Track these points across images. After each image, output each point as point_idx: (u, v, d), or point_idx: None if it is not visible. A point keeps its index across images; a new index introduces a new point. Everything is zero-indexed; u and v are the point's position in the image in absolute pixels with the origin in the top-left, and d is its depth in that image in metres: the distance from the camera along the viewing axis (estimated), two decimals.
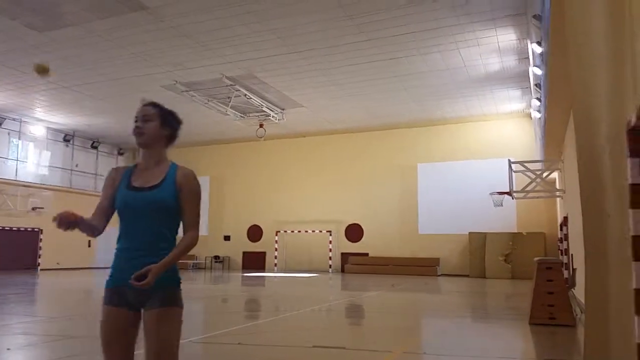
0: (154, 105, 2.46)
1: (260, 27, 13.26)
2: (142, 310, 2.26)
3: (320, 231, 24.56)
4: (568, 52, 7.50)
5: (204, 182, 27.57)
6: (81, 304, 11.65)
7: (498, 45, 14.28)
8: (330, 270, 23.92)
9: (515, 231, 21.03)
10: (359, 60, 15.45)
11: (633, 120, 2.97)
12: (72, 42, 14.28)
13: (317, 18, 12.72)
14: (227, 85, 17.68)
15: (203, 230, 27.26)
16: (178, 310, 2.26)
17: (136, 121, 2.40)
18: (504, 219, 20.89)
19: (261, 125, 21.88)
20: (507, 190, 15.56)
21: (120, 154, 28.70)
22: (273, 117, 20.96)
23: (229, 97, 18.75)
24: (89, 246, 26.70)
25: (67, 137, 25.37)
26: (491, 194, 17.44)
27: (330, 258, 24.15)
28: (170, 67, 16.27)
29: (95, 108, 21.01)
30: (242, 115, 20.96)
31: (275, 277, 20.60)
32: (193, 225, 2.36)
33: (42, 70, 2.53)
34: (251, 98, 18.81)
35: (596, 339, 3.01)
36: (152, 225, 2.28)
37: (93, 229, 2.36)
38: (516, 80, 16.96)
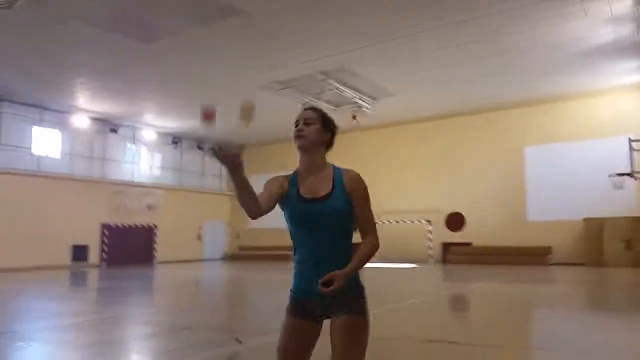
0: (315, 109, 2.42)
1: (348, 23, 13.22)
2: (328, 320, 2.26)
3: (420, 221, 24.06)
4: None
5: None
6: (194, 295, 12.42)
7: (611, 14, 12.95)
8: (431, 260, 23.38)
9: (638, 215, 19.09)
10: (449, 43, 14.78)
11: None
12: (172, 52, 15.16)
13: (400, 6, 12.39)
14: (319, 80, 17.85)
15: None
16: (363, 320, 2.23)
17: (297, 124, 2.36)
18: (624, 202, 19.02)
19: (354, 117, 21.83)
20: (628, 171, 14.16)
21: None
22: (366, 107, 20.83)
23: (321, 91, 18.93)
24: (199, 239, 28.50)
25: (175, 140, 27.16)
26: (610, 175, 15.98)
27: (430, 248, 23.60)
28: (264, 68, 16.73)
29: (198, 112, 22.20)
30: (335, 108, 21.06)
31: (374, 267, 20.56)
32: (370, 229, 2.30)
33: (246, 115, 2.21)
34: (344, 90, 18.83)
35: None
36: (329, 235, 2.23)
37: (253, 195, 2.14)
38: (633, 50, 15.29)
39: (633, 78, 18.25)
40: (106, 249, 23.44)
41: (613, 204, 19.12)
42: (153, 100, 20.75)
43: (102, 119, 23.34)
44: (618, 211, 19.20)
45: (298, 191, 2.28)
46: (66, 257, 21.74)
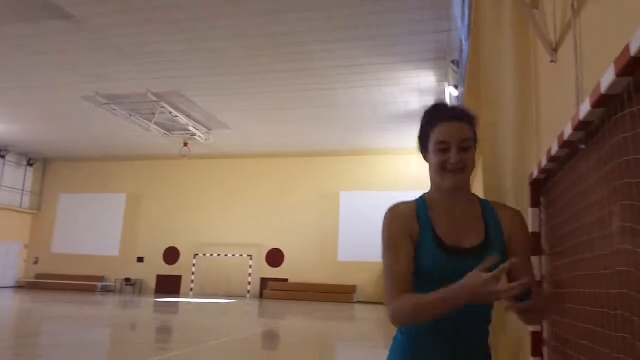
0: (469, 117, 1.51)
1: (189, 46, 13.07)
2: None
3: (241, 255, 24.14)
4: (480, 98, 8.03)
5: (120, 199, 26.34)
6: None
7: (419, 86, 15.01)
8: (248, 296, 23.49)
9: None
10: (285, 87, 15.61)
11: (535, 173, 3.20)
12: None
13: (245, 44, 12.75)
14: (152, 101, 17.15)
15: (114, 250, 25.89)
16: None
17: (445, 148, 1.48)
18: None
19: (186, 144, 21.37)
20: None
21: (29, 164, 26.77)
22: (199, 136, 20.56)
23: (153, 113, 18.19)
24: None
25: None
26: None
27: (249, 283, 23.74)
28: (92, 78, 15.55)
29: (4, 115, 19.56)
30: (166, 133, 20.37)
31: (190, 302, 19.90)
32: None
33: None
34: (177, 116, 18.36)
35: None
36: (480, 305, 1.43)
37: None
38: None
39: None
40: None
41: None
42: None
43: None
44: None
45: (435, 234, 1.51)
46: None
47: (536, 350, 2.86)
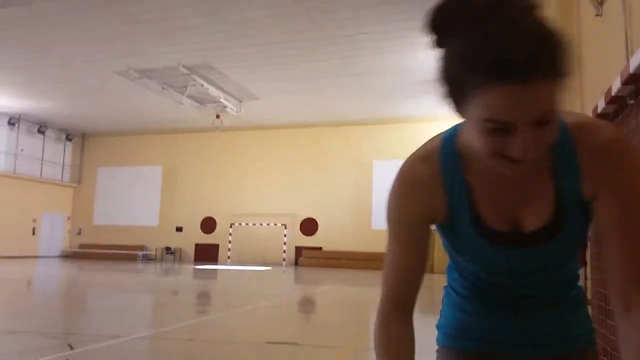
0: (556, 64, 0.70)
1: (217, 18, 13.06)
2: None
3: (275, 224, 24.54)
4: None
5: (156, 172, 26.97)
6: (23, 295, 11.19)
7: None
8: (284, 263, 23.95)
9: None
10: (316, 56, 15.47)
11: None
12: (18, 23, 13.61)
13: (274, 12, 12.65)
14: (183, 74, 17.32)
15: (153, 221, 26.68)
16: None
17: (501, 127, 0.74)
18: None
19: (218, 117, 21.57)
20: None
21: (68, 139, 27.62)
22: (230, 108, 20.70)
23: (185, 86, 18.39)
24: (33, 234, 25.65)
25: (12, 121, 24.18)
26: None
27: (284, 251, 24.19)
28: (123, 53, 15.78)
29: (43, 91, 20.13)
30: (199, 105, 20.59)
31: (228, 270, 20.45)
32: None
33: None
34: (208, 88, 18.51)
35: None
36: (547, 281, 1.00)
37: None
38: None
39: None
40: None
41: None
42: None
43: None
44: None
45: (476, 216, 0.94)
46: None
47: None
